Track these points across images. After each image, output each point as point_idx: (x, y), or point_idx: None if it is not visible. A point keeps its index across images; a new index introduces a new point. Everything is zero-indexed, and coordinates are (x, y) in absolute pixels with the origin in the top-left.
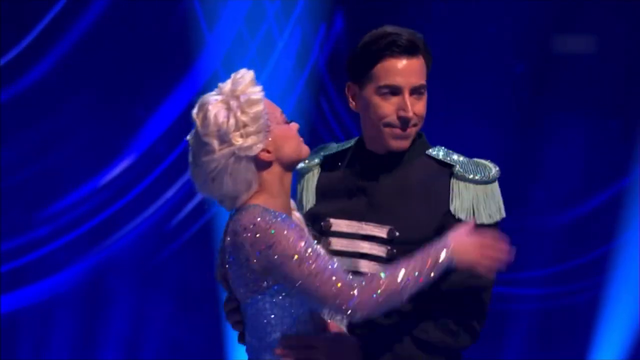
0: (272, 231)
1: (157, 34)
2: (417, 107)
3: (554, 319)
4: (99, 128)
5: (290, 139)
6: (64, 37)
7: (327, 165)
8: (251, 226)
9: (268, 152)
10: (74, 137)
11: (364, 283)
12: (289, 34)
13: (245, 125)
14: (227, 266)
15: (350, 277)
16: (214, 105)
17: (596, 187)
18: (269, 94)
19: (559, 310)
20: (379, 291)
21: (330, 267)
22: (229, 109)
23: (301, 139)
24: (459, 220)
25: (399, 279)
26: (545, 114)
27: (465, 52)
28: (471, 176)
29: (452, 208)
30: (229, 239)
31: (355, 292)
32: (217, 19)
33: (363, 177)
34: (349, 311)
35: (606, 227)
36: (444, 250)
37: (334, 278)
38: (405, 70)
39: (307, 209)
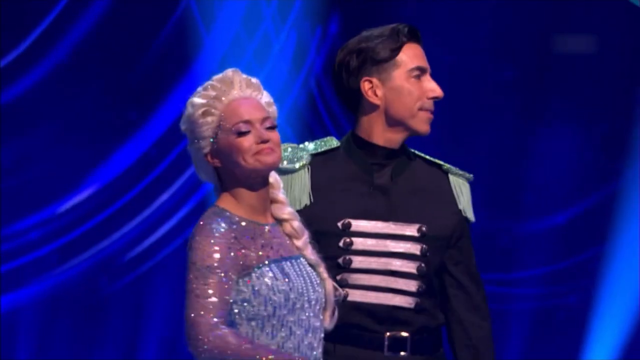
0: (198, 238)
1: (155, 36)
2: None
3: (546, 319)
4: (96, 131)
5: (233, 152)
6: (60, 40)
7: (319, 164)
8: (196, 224)
9: (213, 157)
10: (71, 140)
11: (220, 333)
12: (286, 36)
13: (184, 127)
14: None
15: (217, 320)
16: (190, 99)
17: (588, 190)
18: None
19: (551, 310)
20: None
21: (212, 299)
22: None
23: (259, 151)
24: (467, 220)
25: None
26: (536, 118)
27: (458, 56)
28: (466, 174)
29: (460, 207)
30: None
31: (205, 334)
32: (214, 21)
33: (377, 175)
34: (190, 341)
35: (598, 228)
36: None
37: (202, 312)
38: (422, 54)
39: (301, 208)
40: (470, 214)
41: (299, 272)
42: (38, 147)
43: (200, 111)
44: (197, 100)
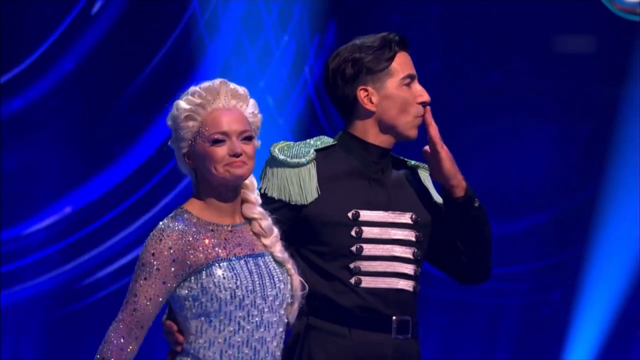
0: (149, 237)
1: (160, 44)
2: None
3: (530, 314)
4: (99, 137)
5: (206, 159)
6: (68, 48)
7: (321, 159)
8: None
9: (190, 159)
10: (72, 144)
11: (110, 336)
12: (285, 44)
13: (169, 124)
14: None
15: (123, 320)
16: (177, 100)
17: (571, 190)
18: (266, 100)
19: (535, 305)
20: (104, 348)
21: (135, 302)
22: None
23: (230, 163)
24: (438, 204)
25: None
26: (520, 120)
27: (444, 59)
28: (426, 166)
29: (431, 195)
30: None
31: (113, 328)
32: (217, 30)
33: (375, 169)
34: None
35: (580, 228)
36: None
37: (123, 308)
38: (411, 61)
39: (311, 201)
40: (440, 199)
41: (255, 270)
42: (43, 152)
43: (183, 115)
44: (182, 104)
